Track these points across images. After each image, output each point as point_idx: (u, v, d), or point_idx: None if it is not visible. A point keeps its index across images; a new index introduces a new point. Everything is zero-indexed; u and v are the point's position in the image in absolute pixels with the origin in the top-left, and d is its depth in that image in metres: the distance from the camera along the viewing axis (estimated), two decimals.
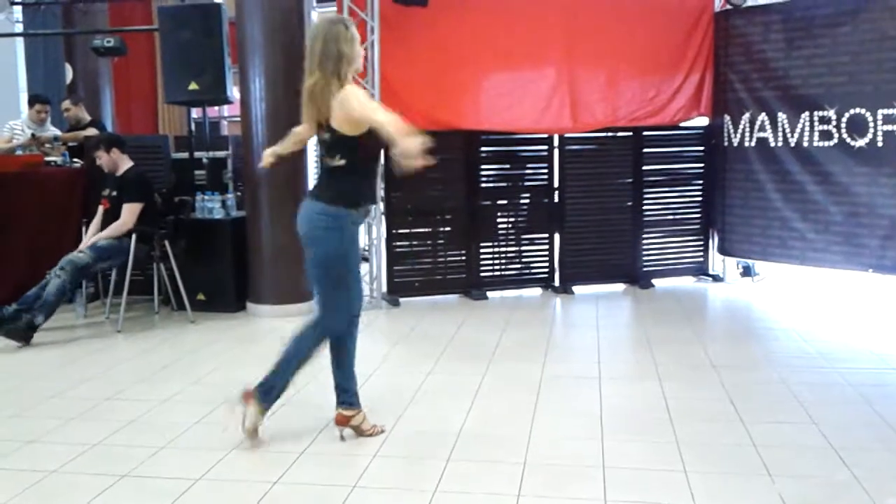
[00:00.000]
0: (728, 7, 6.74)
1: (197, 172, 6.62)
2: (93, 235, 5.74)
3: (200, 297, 6.13)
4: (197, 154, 6.66)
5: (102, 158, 5.84)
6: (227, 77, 6.13)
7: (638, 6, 6.78)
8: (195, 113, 7.38)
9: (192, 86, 6.08)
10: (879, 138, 5.70)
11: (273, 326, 5.71)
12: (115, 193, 5.79)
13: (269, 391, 3.50)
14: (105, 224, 5.76)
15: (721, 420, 3.76)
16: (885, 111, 5.66)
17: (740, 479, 3.12)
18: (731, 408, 3.92)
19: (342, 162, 3.37)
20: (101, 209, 5.88)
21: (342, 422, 3.57)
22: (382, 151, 3.56)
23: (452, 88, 6.45)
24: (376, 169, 3.81)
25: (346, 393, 3.59)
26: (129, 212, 5.67)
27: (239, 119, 6.30)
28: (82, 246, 5.64)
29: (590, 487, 3.06)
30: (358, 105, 3.26)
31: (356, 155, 3.39)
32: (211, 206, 6.20)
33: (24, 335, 5.24)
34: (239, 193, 6.54)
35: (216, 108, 9.22)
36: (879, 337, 5.20)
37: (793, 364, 4.69)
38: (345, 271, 3.50)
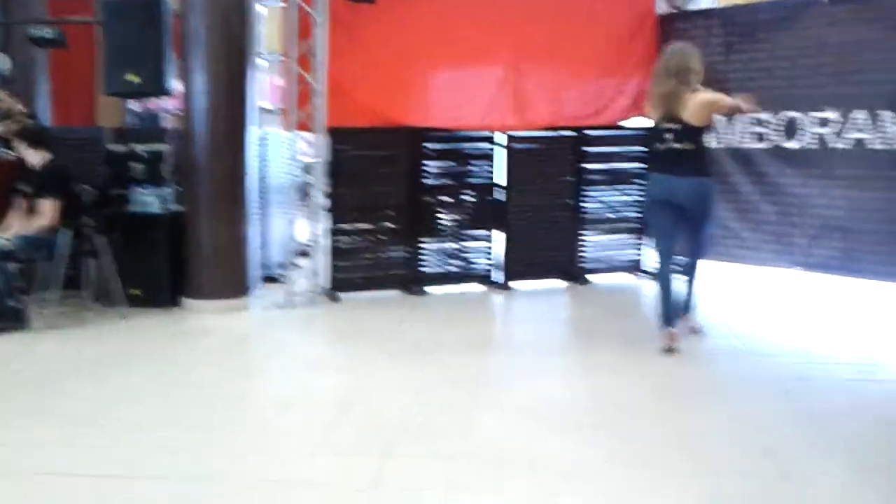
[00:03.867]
0: (671, 10, 6.87)
1: (134, 165, 6.48)
2: (15, 226, 5.56)
3: (135, 292, 6.01)
4: (135, 147, 6.51)
5: (20, 151, 5.66)
6: (168, 69, 6.01)
7: (583, 7, 6.86)
8: (134, 105, 7.22)
9: (132, 77, 5.96)
10: (811, 141, 5.89)
11: (209, 322, 5.64)
12: (30, 189, 5.60)
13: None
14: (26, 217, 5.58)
15: (650, 414, 3.85)
16: (818, 114, 5.85)
17: (667, 472, 3.20)
18: (663, 402, 4.01)
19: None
20: (21, 201, 5.70)
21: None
22: None
23: (399, 85, 6.45)
24: None
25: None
26: (49, 207, 5.48)
27: (180, 112, 6.20)
28: (6, 234, 5.46)
29: (523, 481, 3.10)
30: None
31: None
32: (148, 200, 6.08)
33: None
34: (178, 187, 6.43)
35: (157, 100, 9.04)
36: (805, 332, 5.37)
37: (721, 359, 4.81)
38: None
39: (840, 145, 5.71)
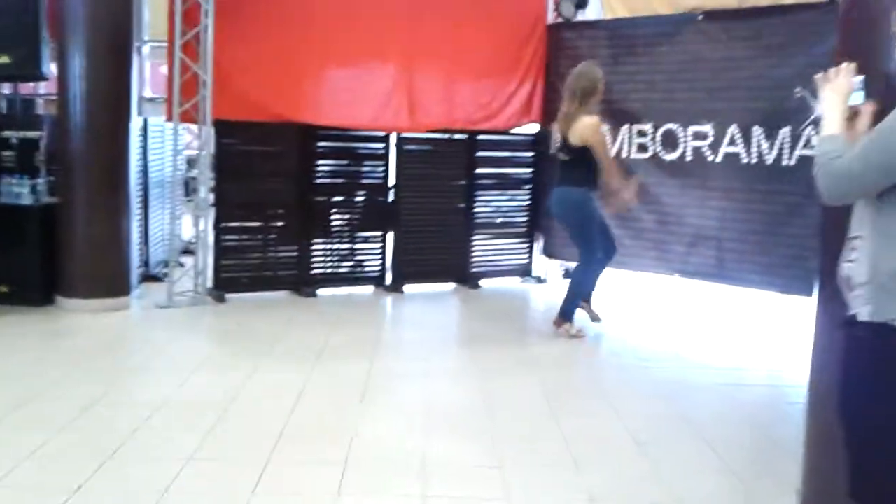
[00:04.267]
0: (560, 20, 7.03)
1: (5, 153, 6.10)
2: None
3: (3, 288, 5.64)
4: (5, 133, 6.13)
5: None
6: (43, 52, 5.69)
7: (477, 13, 6.92)
8: (6, 89, 6.80)
9: (3, 59, 5.61)
10: (689, 153, 6.16)
11: (83, 322, 5.36)
12: None
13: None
14: None
15: (536, 415, 3.94)
16: (695, 128, 6.12)
17: (552, 472, 3.28)
18: (546, 403, 4.10)
19: None
20: None
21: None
22: None
23: (290, 80, 6.30)
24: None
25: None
26: None
27: (56, 97, 5.87)
28: None
29: (410, 484, 3.10)
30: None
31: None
32: (19, 191, 5.72)
33: None
34: (52, 178, 6.08)
35: (30, 84, 8.53)
36: (681, 337, 5.62)
37: (604, 362, 4.98)
38: None
39: (715, 158, 6.00)
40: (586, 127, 5.21)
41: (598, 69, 5.41)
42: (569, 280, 5.60)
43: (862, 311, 1.91)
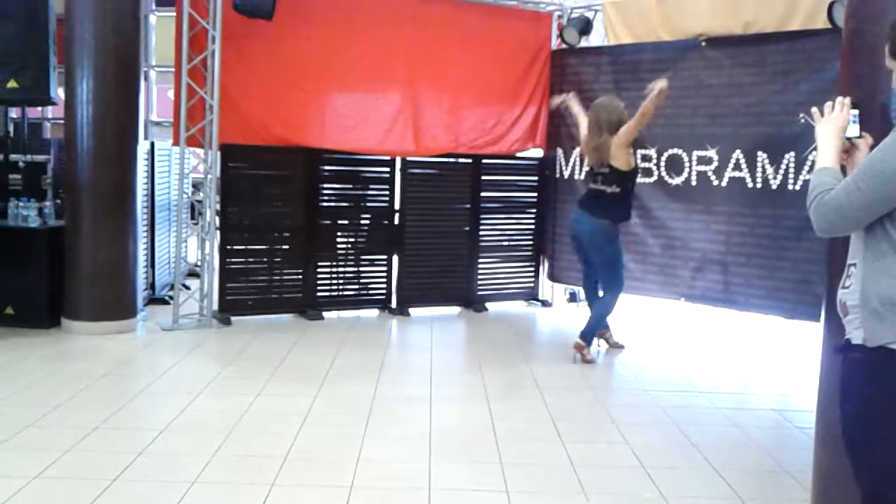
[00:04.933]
0: (563, 46, 7.09)
1: (12, 177, 6.14)
2: None
3: (9, 310, 5.66)
4: (13, 157, 6.18)
5: None
6: (51, 76, 5.74)
7: (481, 39, 6.99)
8: (14, 113, 6.86)
9: (12, 83, 5.67)
10: (693, 178, 6.18)
11: (88, 344, 5.37)
12: None
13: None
14: None
15: (543, 440, 3.91)
16: (699, 153, 6.14)
17: (558, 497, 3.25)
18: (553, 428, 4.08)
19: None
20: None
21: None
22: None
23: (295, 105, 6.36)
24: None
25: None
26: None
27: (63, 121, 5.92)
28: None
29: None
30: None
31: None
32: (26, 214, 5.75)
33: None
34: (59, 201, 6.12)
35: (38, 108, 8.59)
36: (688, 362, 5.60)
37: (610, 387, 4.96)
38: None
39: (720, 183, 6.02)
40: (619, 137, 5.25)
41: (618, 101, 5.52)
42: (595, 305, 5.65)
43: (855, 334, 1.96)
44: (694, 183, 6.18)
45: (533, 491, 3.30)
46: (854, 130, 2.07)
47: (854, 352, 1.95)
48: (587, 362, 5.39)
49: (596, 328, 5.53)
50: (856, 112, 2.06)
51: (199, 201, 6.51)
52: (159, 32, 8.42)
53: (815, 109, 2.11)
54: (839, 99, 2.07)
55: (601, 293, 5.63)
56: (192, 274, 6.95)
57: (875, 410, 1.90)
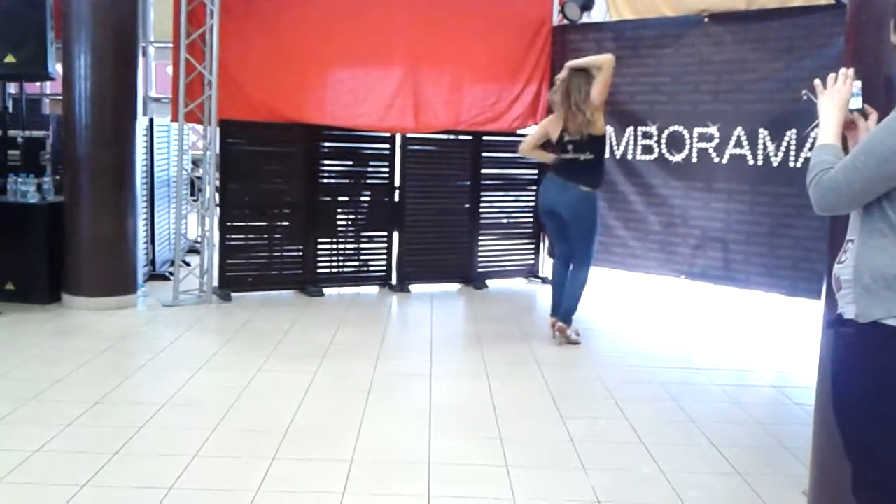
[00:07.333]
0: (565, 22, 7.03)
1: (11, 152, 6.12)
2: None
3: (9, 286, 5.66)
4: (11, 133, 6.15)
5: None
6: (49, 51, 5.70)
7: (482, 15, 6.94)
8: (12, 88, 6.82)
9: (9, 58, 5.64)
10: (694, 155, 6.16)
11: (88, 320, 5.37)
12: None
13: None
14: None
15: (542, 416, 3.93)
16: (700, 130, 6.11)
17: (558, 472, 3.27)
18: (552, 404, 4.10)
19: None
20: None
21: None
22: None
23: (295, 81, 6.32)
24: None
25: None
26: None
27: (61, 97, 5.89)
28: None
29: (415, 484, 3.10)
30: None
31: None
32: (25, 189, 5.74)
33: None
34: (58, 177, 6.10)
35: (37, 84, 8.55)
36: (687, 339, 5.61)
37: (609, 363, 4.97)
38: None
39: (721, 160, 5.99)
40: (594, 101, 5.13)
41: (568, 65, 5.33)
42: (570, 284, 5.31)
43: (847, 309, 1.95)
44: (695, 160, 6.15)
45: (532, 466, 3.32)
46: (857, 103, 2.04)
47: (846, 326, 1.95)
48: (572, 343, 5.31)
49: (576, 306, 5.32)
50: (859, 84, 2.02)
51: (199, 177, 6.49)
52: (157, 7, 8.36)
53: (817, 81, 2.07)
54: (842, 70, 2.03)
55: (571, 270, 5.35)
56: (193, 250, 6.95)
57: (866, 387, 1.90)
